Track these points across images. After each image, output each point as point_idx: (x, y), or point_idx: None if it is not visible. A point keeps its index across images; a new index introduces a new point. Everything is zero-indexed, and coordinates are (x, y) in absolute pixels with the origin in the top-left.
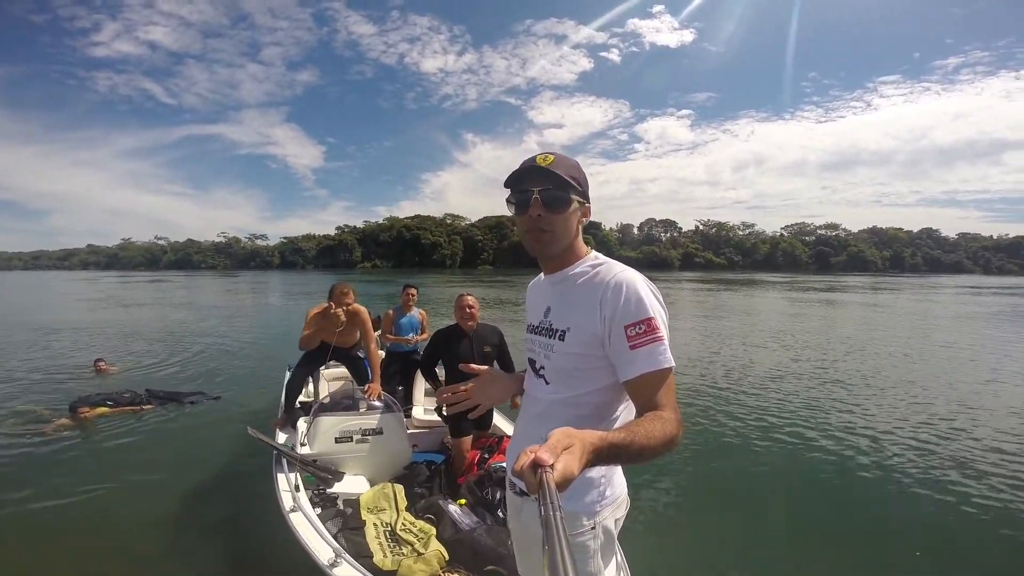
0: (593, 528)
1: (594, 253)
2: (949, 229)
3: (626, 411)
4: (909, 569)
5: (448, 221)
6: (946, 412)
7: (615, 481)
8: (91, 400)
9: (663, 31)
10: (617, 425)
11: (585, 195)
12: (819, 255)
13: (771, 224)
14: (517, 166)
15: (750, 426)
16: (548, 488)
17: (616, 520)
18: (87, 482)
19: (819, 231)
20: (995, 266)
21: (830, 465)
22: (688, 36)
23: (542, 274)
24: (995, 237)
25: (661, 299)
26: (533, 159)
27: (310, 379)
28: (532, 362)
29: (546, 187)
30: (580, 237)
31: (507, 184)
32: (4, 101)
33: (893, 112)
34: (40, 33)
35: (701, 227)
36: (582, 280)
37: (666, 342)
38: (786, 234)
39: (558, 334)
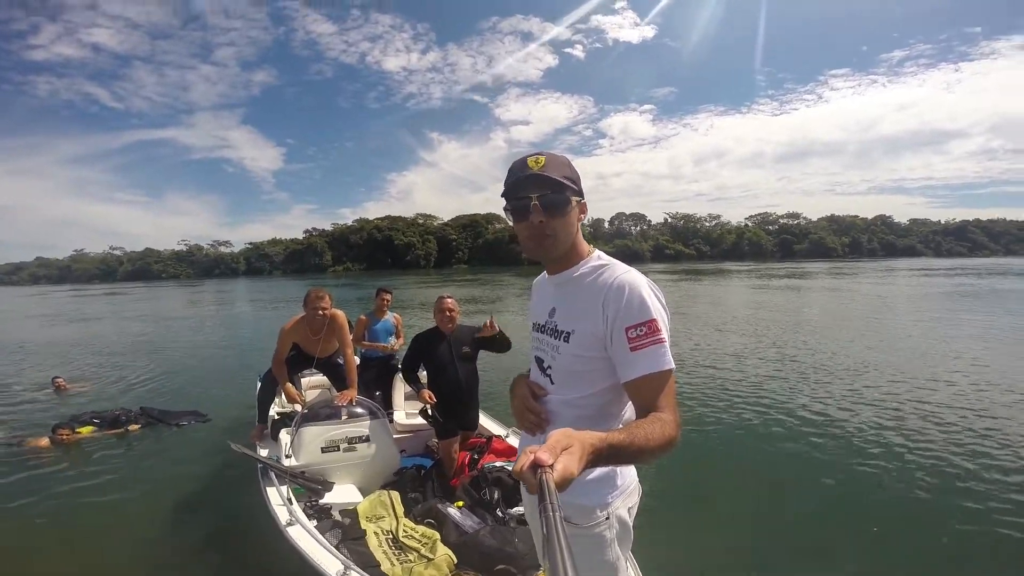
0: (608, 519)
1: (596, 252)
2: (900, 215)
3: (629, 412)
4: (892, 555)
5: (420, 221)
6: (916, 391)
7: (625, 471)
8: (80, 419)
9: (625, 27)
10: (620, 426)
11: (581, 192)
12: (783, 243)
13: (733, 215)
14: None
15: (724, 411)
16: (548, 488)
17: (629, 508)
18: (66, 509)
19: (781, 220)
20: (945, 248)
21: (799, 448)
22: (649, 32)
23: (545, 273)
24: (943, 222)
25: (664, 301)
26: (524, 162)
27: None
28: (539, 360)
29: (544, 192)
30: (580, 235)
31: (504, 194)
32: None
33: (843, 104)
34: None
35: (670, 219)
36: (586, 281)
37: (667, 344)
38: (750, 224)
39: (563, 335)
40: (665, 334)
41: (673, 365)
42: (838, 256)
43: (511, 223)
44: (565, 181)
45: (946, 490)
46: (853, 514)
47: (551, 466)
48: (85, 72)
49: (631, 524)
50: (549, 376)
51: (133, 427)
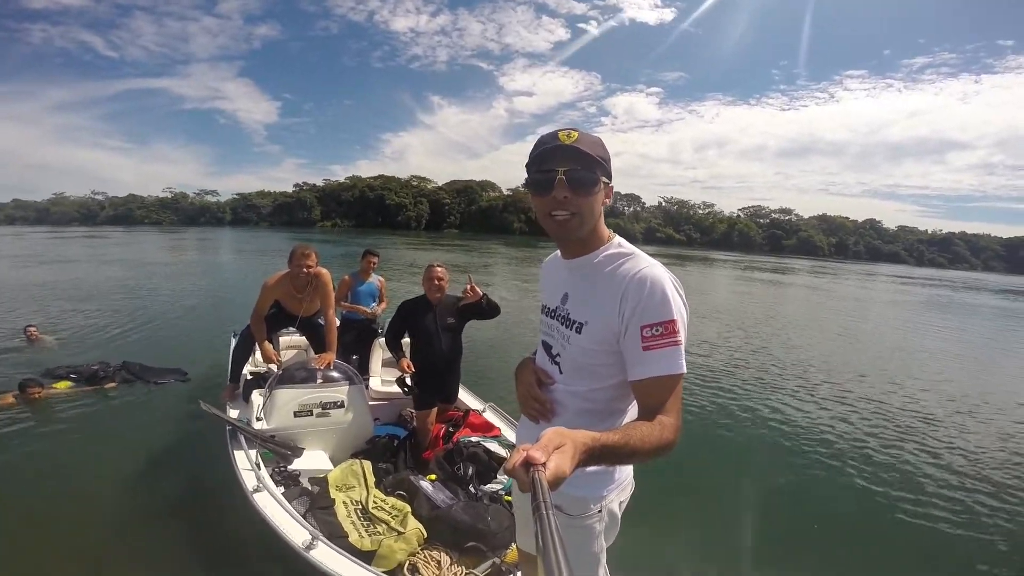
0: (600, 512)
1: (617, 239)
2: (889, 221)
3: (635, 408)
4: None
5: (414, 183)
6: (881, 394)
7: (622, 466)
8: (55, 373)
9: (644, 7)
10: (625, 421)
11: (609, 174)
12: (772, 237)
13: (725, 204)
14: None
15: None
16: (541, 486)
17: (621, 502)
18: (29, 470)
19: (773, 215)
20: (927, 258)
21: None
22: (669, 15)
23: (558, 252)
24: (929, 231)
25: (685, 299)
26: (555, 135)
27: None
28: (548, 346)
29: (573, 167)
30: (602, 219)
31: (528, 164)
32: None
33: (854, 105)
34: None
35: (664, 203)
36: (605, 270)
37: (682, 347)
38: (742, 216)
39: (575, 326)
40: (682, 336)
41: (685, 369)
42: (824, 255)
43: (531, 195)
44: (597, 158)
45: (897, 488)
46: (819, 514)
47: (543, 464)
48: (82, 20)
49: (619, 517)
50: (558, 364)
51: (110, 384)
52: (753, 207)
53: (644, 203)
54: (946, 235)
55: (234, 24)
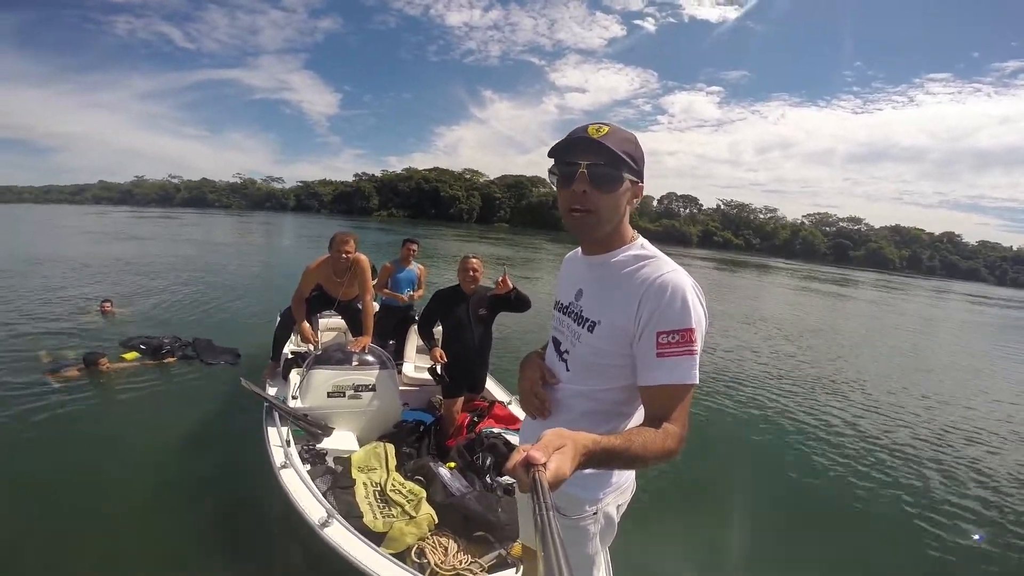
0: (595, 513)
1: (641, 240)
2: (969, 235)
3: (641, 413)
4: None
5: (467, 176)
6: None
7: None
8: (129, 344)
9: (705, 4)
10: (631, 425)
11: (639, 174)
12: (837, 247)
13: (788, 210)
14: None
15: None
16: (541, 487)
17: (619, 505)
18: (78, 439)
19: (841, 223)
20: (1009, 277)
21: (799, 450)
22: (732, 12)
23: (579, 249)
24: (1015, 248)
25: (706, 308)
26: (584, 128)
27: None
28: (557, 342)
29: (596, 162)
30: (627, 220)
31: (551, 154)
32: (17, 43)
33: (936, 110)
34: None
35: (723, 206)
36: (624, 271)
37: (697, 357)
38: (807, 223)
39: (587, 324)
40: (699, 346)
41: (697, 380)
42: (894, 269)
43: (555, 188)
44: (623, 155)
45: (917, 501)
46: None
47: (544, 465)
48: (161, 13)
49: (617, 521)
50: (565, 361)
51: (170, 359)
52: (819, 214)
53: (702, 205)
54: None
55: (298, 17)
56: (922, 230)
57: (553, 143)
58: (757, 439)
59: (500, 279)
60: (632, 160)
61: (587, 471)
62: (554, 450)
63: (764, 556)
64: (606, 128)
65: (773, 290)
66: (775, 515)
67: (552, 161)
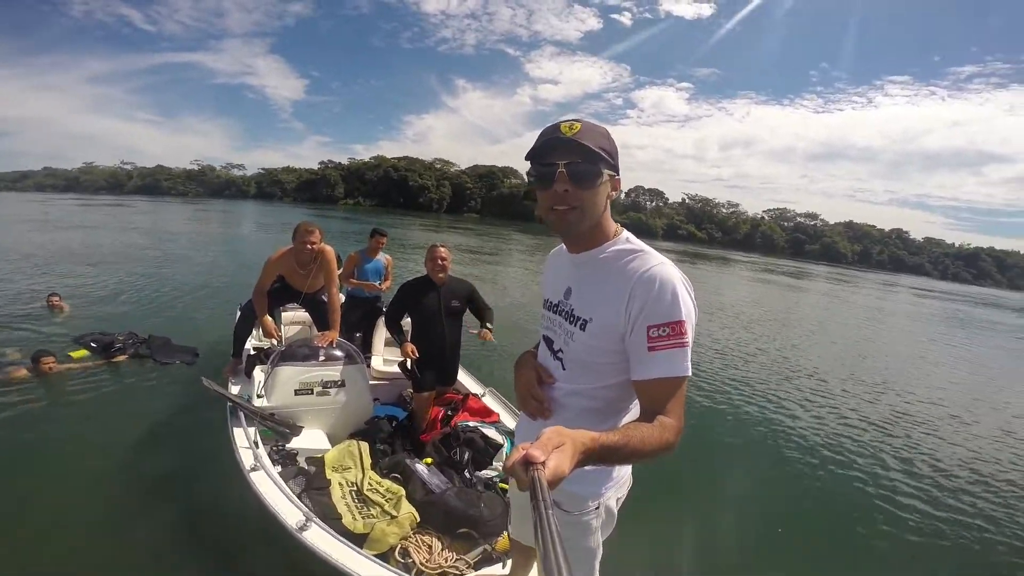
0: (597, 508)
1: (625, 234)
2: (916, 232)
3: (638, 408)
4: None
5: (438, 166)
6: (891, 403)
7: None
8: (79, 340)
9: (682, 1)
10: (627, 420)
11: (615, 167)
12: (795, 241)
13: (748, 205)
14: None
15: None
16: (540, 485)
17: (618, 499)
18: (24, 447)
19: (799, 219)
20: (951, 272)
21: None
22: (707, 10)
23: (563, 246)
24: (957, 245)
25: (694, 300)
26: (556, 127)
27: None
28: (549, 341)
29: (573, 160)
30: (608, 213)
31: (529, 157)
32: None
33: (893, 112)
34: None
35: (688, 200)
36: (612, 267)
37: (689, 348)
38: (767, 218)
39: (579, 322)
40: (690, 338)
41: (690, 372)
42: (846, 263)
43: (534, 189)
44: (599, 151)
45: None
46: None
47: (543, 463)
48: None
49: (616, 513)
50: (560, 360)
51: (121, 357)
52: (778, 209)
53: (667, 199)
54: (974, 250)
55: (268, 1)
56: (873, 226)
57: (526, 135)
58: (721, 432)
59: (480, 334)
60: (608, 154)
61: (587, 467)
62: (553, 448)
63: (726, 546)
64: (578, 125)
65: (733, 281)
66: (729, 502)
67: (528, 164)
